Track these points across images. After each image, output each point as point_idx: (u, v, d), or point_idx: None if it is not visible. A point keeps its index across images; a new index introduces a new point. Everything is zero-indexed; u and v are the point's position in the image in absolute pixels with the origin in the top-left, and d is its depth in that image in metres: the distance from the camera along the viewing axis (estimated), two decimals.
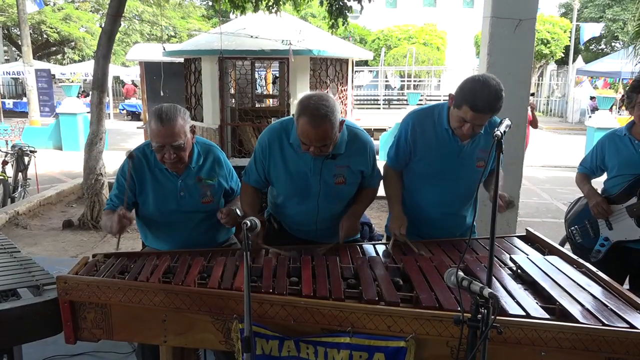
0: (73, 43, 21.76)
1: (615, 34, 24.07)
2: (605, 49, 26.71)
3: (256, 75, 11.02)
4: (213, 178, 2.40)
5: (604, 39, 25.87)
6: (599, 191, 2.84)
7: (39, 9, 15.22)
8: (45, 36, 21.03)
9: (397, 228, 2.33)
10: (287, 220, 2.49)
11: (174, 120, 2.16)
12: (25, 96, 15.48)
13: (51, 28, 19.85)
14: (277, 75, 11.10)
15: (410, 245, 2.29)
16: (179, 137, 2.18)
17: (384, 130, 11.83)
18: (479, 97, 2.10)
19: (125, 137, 14.49)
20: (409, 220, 2.38)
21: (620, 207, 2.68)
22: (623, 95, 17.19)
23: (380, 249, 2.36)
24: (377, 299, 1.80)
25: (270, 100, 11.24)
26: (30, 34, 16.20)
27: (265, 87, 13.70)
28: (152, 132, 2.18)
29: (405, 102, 20.15)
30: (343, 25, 7.12)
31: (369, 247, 2.38)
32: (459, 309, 1.49)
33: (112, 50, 6.33)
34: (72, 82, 17.33)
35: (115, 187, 2.38)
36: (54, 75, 18.92)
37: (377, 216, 6.34)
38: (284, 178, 2.34)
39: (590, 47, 26.82)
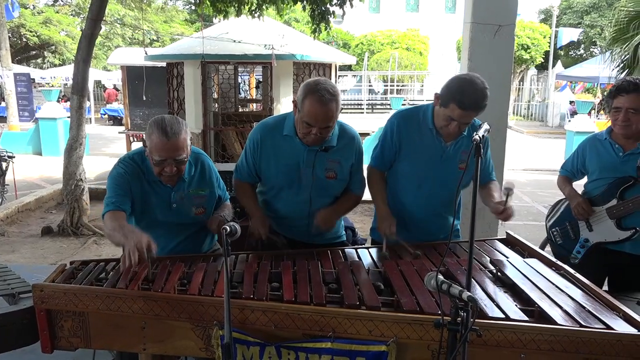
0: (53, 47, 21.45)
1: (593, 40, 24.55)
2: (584, 55, 27.21)
3: (239, 80, 10.98)
4: (205, 188, 2.35)
5: (582, 45, 26.37)
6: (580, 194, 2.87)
7: (9, 20, 14.92)
8: (24, 40, 20.67)
9: (387, 228, 2.32)
10: (278, 216, 2.46)
11: (179, 134, 2.10)
12: (4, 101, 15.22)
13: (31, 31, 19.52)
14: (261, 79, 11.07)
15: (404, 245, 2.29)
16: (183, 151, 2.13)
17: (368, 134, 11.85)
18: (467, 95, 2.14)
19: (106, 142, 14.32)
20: None
21: (601, 208, 2.71)
22: (601, 100, 17.55)
23: (362, 253, 2.35)
24: (358, 303, 1.80)
25: (254, 104, 11.21)
26: (9, 37, 15.93)
27: (248, 92, 13.66)
28: (155, 145, 2.10)
29: (388, 107, 20.32)
30: (326, 30, 7.15)
31: (350, 251, 2.37)
32: (440, 312, 1.50)
33: (93, 55, 6.27)
34: (52, 86, 17.13)
35: (113, 189, 2.18)
36: (33, 79, 18.60)
37: (360, 220, 6.35)
38: (275, 171, 2.35)
39: (570, 53, 27.31)
